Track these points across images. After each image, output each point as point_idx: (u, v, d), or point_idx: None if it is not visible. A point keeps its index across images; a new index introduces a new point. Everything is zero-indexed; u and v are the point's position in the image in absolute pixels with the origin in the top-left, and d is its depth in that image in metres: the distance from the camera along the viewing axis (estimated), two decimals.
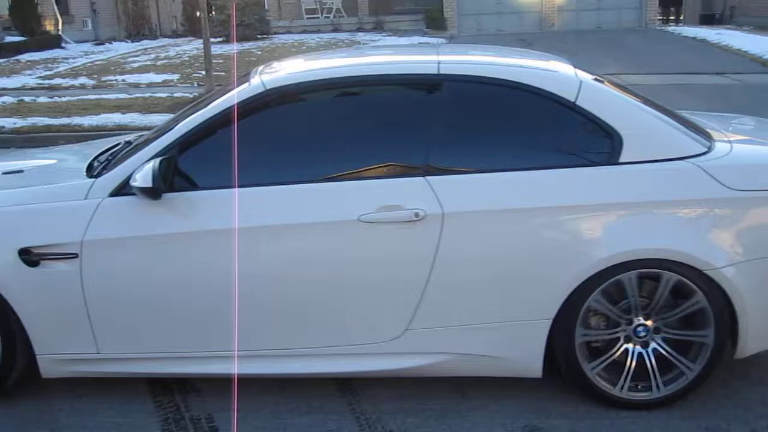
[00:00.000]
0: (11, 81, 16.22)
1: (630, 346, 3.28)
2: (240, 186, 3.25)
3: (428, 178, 3.24)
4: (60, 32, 24.76)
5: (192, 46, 22.18)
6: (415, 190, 3.21)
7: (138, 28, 30.12)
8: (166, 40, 26.89)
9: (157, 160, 3.20)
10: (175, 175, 3.28)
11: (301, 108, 3.63)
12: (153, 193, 3.16)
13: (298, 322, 3.33)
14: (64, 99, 13.31)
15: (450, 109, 3.41)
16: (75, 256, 3.24)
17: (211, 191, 3.32)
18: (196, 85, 14.54)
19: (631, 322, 3.26)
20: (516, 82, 3.38)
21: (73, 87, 14.99)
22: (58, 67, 18.65)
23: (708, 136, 3.53)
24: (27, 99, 13.34)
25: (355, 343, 3.33)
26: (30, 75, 17.30)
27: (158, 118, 10.21)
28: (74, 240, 3.23)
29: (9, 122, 11.05)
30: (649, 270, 3.18)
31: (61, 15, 25.23)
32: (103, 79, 15.91)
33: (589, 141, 3.32)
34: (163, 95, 13.21)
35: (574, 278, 3.15)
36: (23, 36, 22.92)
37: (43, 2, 24.14)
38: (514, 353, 3.29)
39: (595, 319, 3.29)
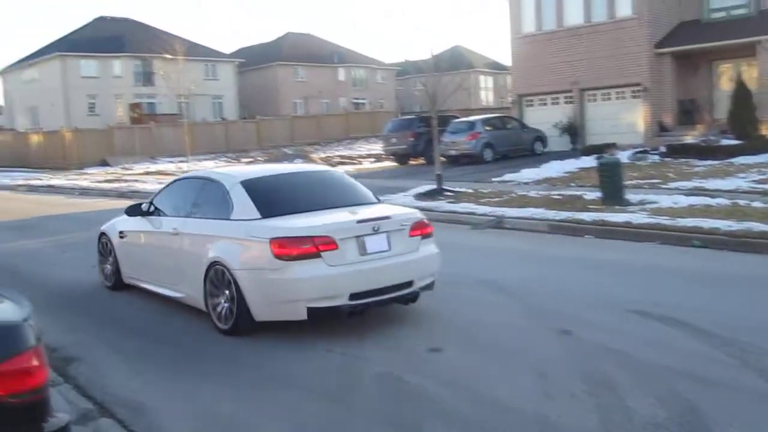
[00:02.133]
0: (725, 183, 17.12)
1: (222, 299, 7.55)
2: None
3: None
4: None
5: None
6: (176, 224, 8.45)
7: None
8: None
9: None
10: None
11: None
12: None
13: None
14: None
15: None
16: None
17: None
18: None
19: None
20: (207, 178, 8.67)
21: None
22: None
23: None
24: (741, 202, 13.88)
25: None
26: (743, 178, 17.85)
27: None
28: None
29: (724, 224, 11.65)
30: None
31: None
32: None
33: (226, 208, 7.77)
34: None
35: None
36: (738, 140, 23.62)
37: (762, 107, 24.81)
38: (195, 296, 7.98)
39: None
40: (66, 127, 48.63)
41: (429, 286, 7.92)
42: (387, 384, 5.96)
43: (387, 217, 7.53)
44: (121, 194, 25.72)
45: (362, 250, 7.21)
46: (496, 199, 16.93)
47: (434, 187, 18.39)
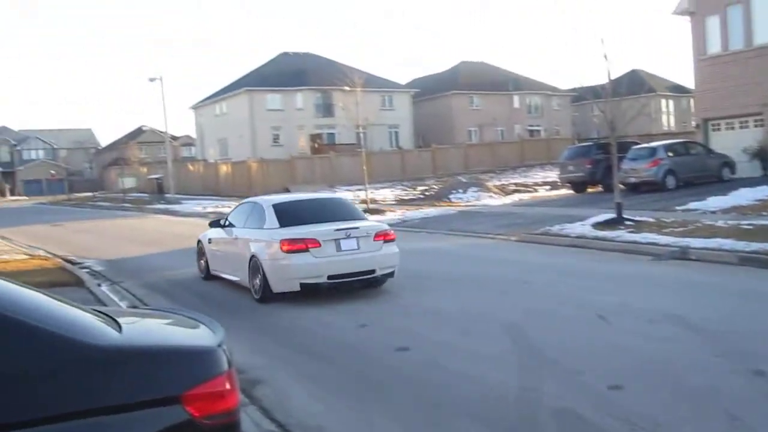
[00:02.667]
0: None
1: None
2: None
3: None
4: None
5: None
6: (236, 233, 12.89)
7: None
8: None
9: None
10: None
11: None
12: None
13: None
14: None
15: None
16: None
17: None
18: None
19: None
20: (255, 202, 13.28)
21: None
22: None
23: None
24: None
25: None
26: None
27: None
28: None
29: None
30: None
31: None
32: None
33: (262, 221, 12.11)
34: None
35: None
36: None
37: None
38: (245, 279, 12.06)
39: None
40: (252, 157, 51.53)
41: (390, 275, 11.66)
42: (567, 421, 5.81)
43: (356, 228, 11.30)
44: None
45: (338, 248, 11.04)
46: (680, 229, 16.14)
47: (613, 215, 17.80)
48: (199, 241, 14.84)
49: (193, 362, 3.45)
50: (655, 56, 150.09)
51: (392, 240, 11.68)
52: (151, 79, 47.89)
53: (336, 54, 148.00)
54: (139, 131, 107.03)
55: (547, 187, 33.33)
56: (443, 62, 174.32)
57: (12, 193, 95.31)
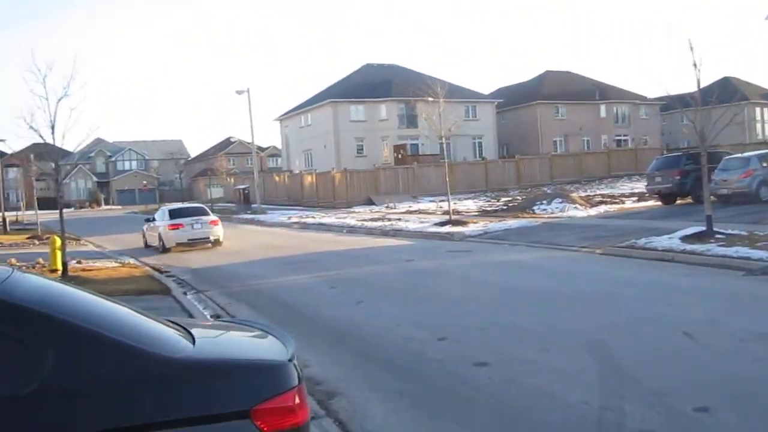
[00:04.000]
0: None
1: None
2: None
3: None
4: None
5: None
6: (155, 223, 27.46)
7: None
8: None
9: None
10: None
11: None
12: None
13: None
14: None
15: None
16: None
17: None
18: None
19: None
20: (163, 207, 29.63)
21: None
22: None
23: None
24: None
25: None
26: None
27: None
28: None
29: None
30: None
31: None
32: None
33: (164, 217, 26.59)
34: None
35: None
36: None
37: None
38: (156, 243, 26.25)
39: None
40: (336, 168, 52.08)
41: (218, 241, 25.59)
42: None
43: (201, 219, 25.63)
44: (384, 233, 26.91)
45: (192, 228, 25.21)
46: None
47: (703, 228, 17.19)
48: (143, 229, 28.72)
49: (263, 376, 3.48)
50: (749, 63, 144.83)
51: (218, 224, 26.11)
52: (239, 92, 48.94)
53: (420, 65, 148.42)
54: (227, 142, 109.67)
55: (635, 199, 32.49)
56: (529, 72, 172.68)
57: (107, 203, 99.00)
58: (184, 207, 29.03)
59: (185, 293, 15.09)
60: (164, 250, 24.99)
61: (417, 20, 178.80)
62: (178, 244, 25.01)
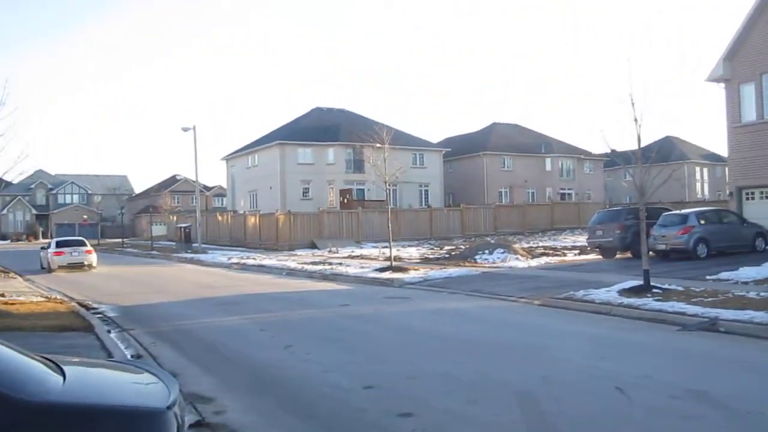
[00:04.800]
0: None
1: None
2: None
3: None
4: None
5: None
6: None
7: None
8: None
9: None
10: None
11: None
12: None
13: None
14: None
15: None
16: None
17: None
18: None
19: None
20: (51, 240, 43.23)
21: None
22: None
23: None
24: None
25: None
26: None
27: None
28: None
29: None
30: None
31: None
32: None
33: (50, 247, 35.43)
34: None
35: None
36: None
37: None
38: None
39: None
40: (281, 210, 51.55)
41: (91, 266, 34.00)
42: None
43: (79, 248, 34.69)
44: (324, 277, 26.48)
45: (71, 255, 34.05)
46: (710, 299, 15.49)
47: (641, 283, 17.20)
48: (40, 255, 36.48)
49: (136, 425, 3.06)
50: (689, 123, 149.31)
51: (92, 253, 34.53)
52: (184, 129, 48.36)
53: (369, 110, 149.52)
54: (173, 180, 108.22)
55: (576, 252, 32.68)
56: (476, 123, 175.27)
57: (45, 236, 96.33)
58: (68, 239, 37.87)
59: (109, 331, 14.43)
60: (50, 270, 33.49)
61: (370, 65, 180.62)
62: (60, 267, 33.47)
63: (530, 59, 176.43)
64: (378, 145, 32.32)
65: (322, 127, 61.53)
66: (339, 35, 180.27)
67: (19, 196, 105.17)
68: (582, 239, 36.67)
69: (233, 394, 8.84)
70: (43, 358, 3.74)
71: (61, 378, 3.31)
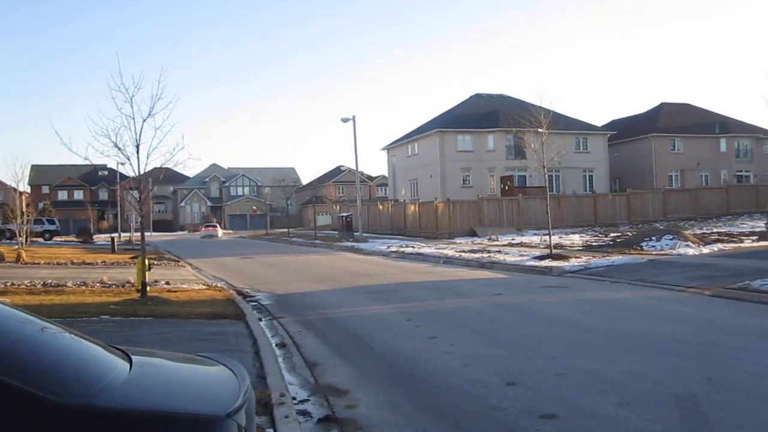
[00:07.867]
0: None
1: None
2: None
3: None
4: None
5: None
6: None
7: None
8: None
9: None
10: None
11: None
12: None
13: None
14: None
15: None
16: None
17: None
18: None
19: None
20: None
21: None
22: None
23: None
24: None
25: None
26: None
27: None
28: None
29: None
30: None
31: None
32: None
33: None
34: None
35: None
36: None
37: None
38: None
39: None
40: (440, 198, 51.25)
41: (218, 237, 73.36)
42: None
43: (211, 229, 75.01)
44: (481, 265, 25.87)
45: (209, 230, 75.61)
46: None
47: None
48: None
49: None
50: None
51: (218, 228, 77.04)
52: (344, 120, 49.11)
53: (529, 95, 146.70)
54: (337, 171, 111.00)
55: (754, 238, 30.13)
56: (644, 104, 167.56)
57: (219, 227, 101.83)
58: (207, 224, 66.14)
59: (260, 319, 14.58)
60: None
61: (529, 51, 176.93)
62: (202, 237, 63.25)
63: (700, 40, 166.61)
64: (539, 129, 31.26)
65: (481, 114, 60.66)
66: (497, 22, 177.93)
67: (195, 189, 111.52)
68: (761, 224, 33.95)
69: (368, 387, 8.51)
70: (121, 351, 3.47)
71: (122, 375, 3.00)
